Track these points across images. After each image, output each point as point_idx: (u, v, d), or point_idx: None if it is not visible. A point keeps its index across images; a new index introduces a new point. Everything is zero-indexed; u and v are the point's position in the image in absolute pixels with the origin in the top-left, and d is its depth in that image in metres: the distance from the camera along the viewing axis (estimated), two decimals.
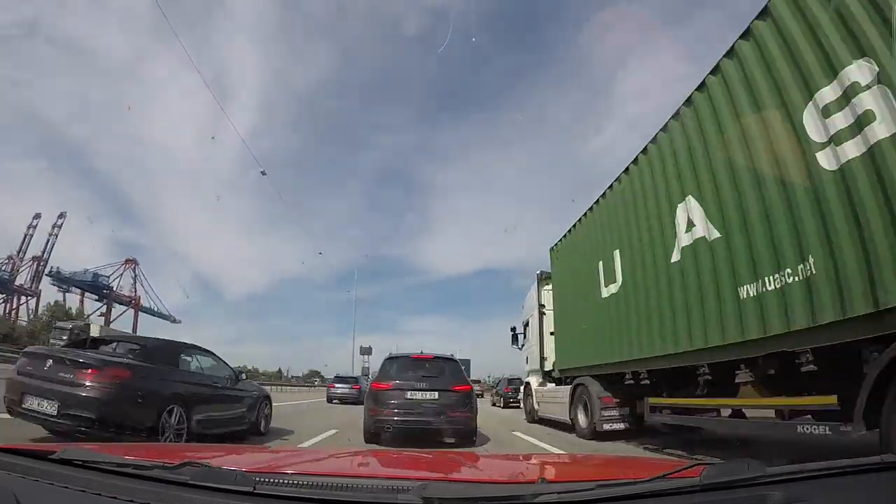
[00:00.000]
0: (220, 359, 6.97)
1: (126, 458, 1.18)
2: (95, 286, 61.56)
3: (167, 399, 5.21)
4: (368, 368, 48.85)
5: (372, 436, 6.63)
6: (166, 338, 6.79)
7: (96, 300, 62.55)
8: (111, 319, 60.09)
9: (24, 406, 4.66)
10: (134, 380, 4.94)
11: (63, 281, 59.39)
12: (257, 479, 1.03)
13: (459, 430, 6.50)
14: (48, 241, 59.29)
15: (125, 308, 64.63)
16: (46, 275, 58.70)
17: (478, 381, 33.92)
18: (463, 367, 7.42)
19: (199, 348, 6.63)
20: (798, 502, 0.95)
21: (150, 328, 71.05)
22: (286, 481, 1.11)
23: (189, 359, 6.26)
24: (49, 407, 4.55)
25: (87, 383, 4.61)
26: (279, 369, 70.65)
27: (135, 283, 65.39)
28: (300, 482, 1.09)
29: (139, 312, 64.96)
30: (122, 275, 63.76)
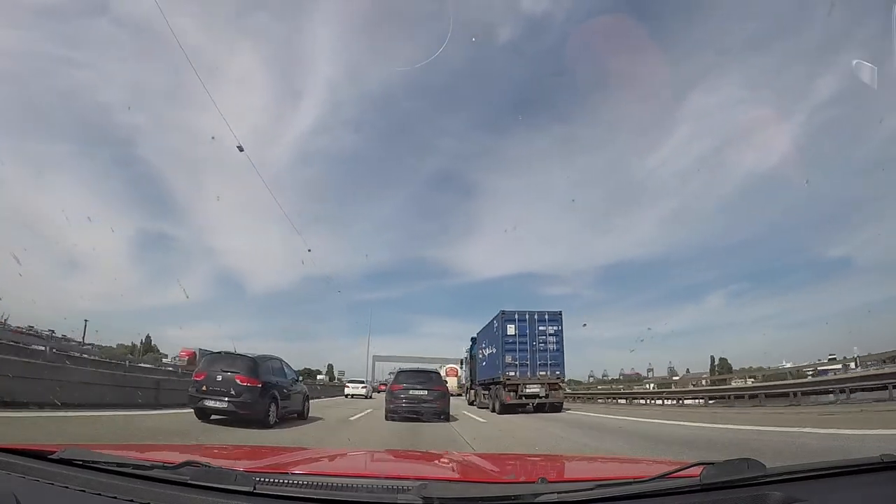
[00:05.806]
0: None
1: (126, 458, 1.17)
2: None
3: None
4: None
5: (390, 414, 10.97)
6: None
7: None
8: None
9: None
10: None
11: None
12: (257, 479, 1.03)
13: (438, 412, 10.91)
14: None
15: None
16: None
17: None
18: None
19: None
20: (798, 502, 0.95)
21: None
22: (286, 481, 1.10)
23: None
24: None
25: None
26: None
27: None
28: (300, 482, 1.09)
29: None
30: None
